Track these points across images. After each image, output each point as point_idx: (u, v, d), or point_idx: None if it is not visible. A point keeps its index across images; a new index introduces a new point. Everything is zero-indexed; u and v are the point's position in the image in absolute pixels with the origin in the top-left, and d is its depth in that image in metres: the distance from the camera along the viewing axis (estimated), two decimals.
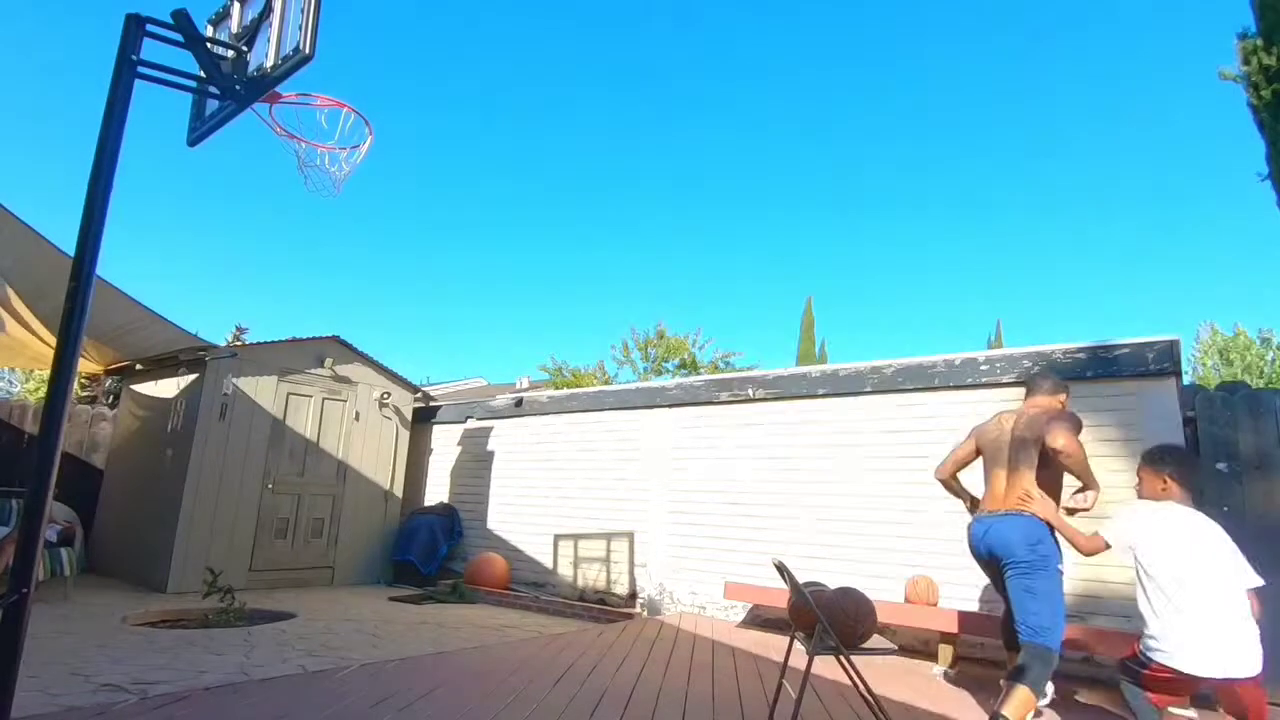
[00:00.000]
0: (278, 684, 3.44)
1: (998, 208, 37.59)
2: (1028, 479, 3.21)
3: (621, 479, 7.01)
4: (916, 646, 5.05)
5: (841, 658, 2.96)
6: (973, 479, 3.76)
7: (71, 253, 2.34)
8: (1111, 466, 4.44)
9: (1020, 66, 35.49)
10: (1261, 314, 32.42)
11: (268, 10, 2.74)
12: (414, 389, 8.54)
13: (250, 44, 2.81)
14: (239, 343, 11.47)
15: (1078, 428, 3.14)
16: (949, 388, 5.24)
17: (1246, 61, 6.34)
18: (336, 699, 3.22)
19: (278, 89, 2.91)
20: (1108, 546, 2.82)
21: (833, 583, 5.39)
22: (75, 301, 2.26)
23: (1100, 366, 4.62)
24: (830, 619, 2.87)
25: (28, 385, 16.40)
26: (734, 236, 39.41)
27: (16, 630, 2.05)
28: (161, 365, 7.18)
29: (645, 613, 6.21)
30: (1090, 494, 3.21)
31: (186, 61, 2.69)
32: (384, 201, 43.61)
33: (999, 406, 5.01)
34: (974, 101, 36.11)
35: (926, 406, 5.36)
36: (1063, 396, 3.50)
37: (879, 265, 39.08)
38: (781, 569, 3.13)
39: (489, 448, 8.37)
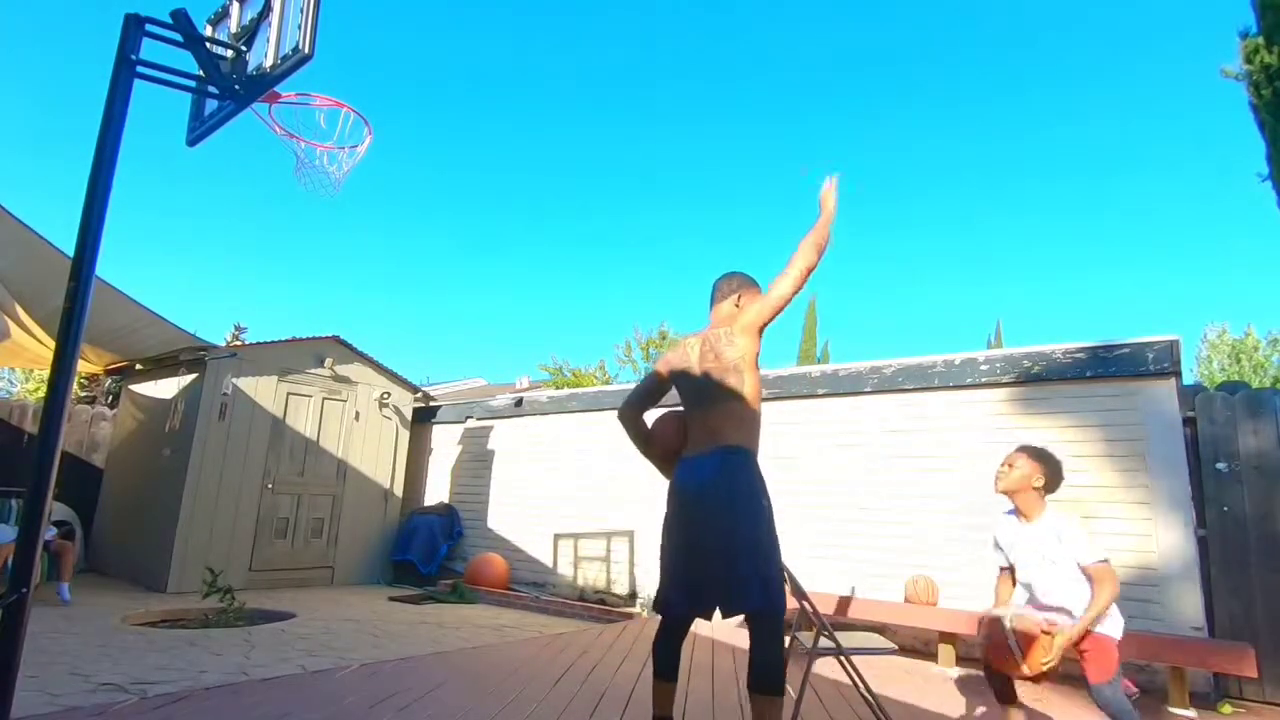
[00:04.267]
0: (278, 684, 3.44)
1: (997, 206, 37.60)
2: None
3: (621, 478, 7.00)
4: (916, 646, 5.05)
5: (842, 658, 2.96)
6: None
7: (70, 253, 2.33)
8: (1114, 466, 4.44)
9: (1021, 65, 35.50)
10: (1269, 315, 32.44)
11: (267, 10, 2.74)
12: (414, 389, 8.54)
13: (249, 43, 2.81)
14: (238, 342, 11.48)
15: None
16: (949, 388, 5.24)
17: (1248, 60, 6.34)
18: (336, 699, 3.22)
19: (277, 88, 2.91)
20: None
21: (833, 583, 5.41)
22: (75, 301, 2.25)
23: (1100, 366, 4.62)
24: None
25: (27, 385, 16.39)
26: (736, 236, 39.41)
27: (16, 630, 2.05)
28: (161, 365, 7.17)
29: (645, 613, 6.21)
30: None
31: (186, 61, 2.69)
32: (383, 200, 43.64)
33: (999, 406, 5.04)
34: (974, 100, 36.12)
35: (926, 406, 5.35)
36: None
37: (878, 264, 39.08)
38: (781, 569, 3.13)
39: (489, 448, 8.37)
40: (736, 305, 2.67)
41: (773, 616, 2.29)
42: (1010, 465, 2.79)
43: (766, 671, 2.24)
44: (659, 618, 2.54)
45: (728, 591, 2.32)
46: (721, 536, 2.34)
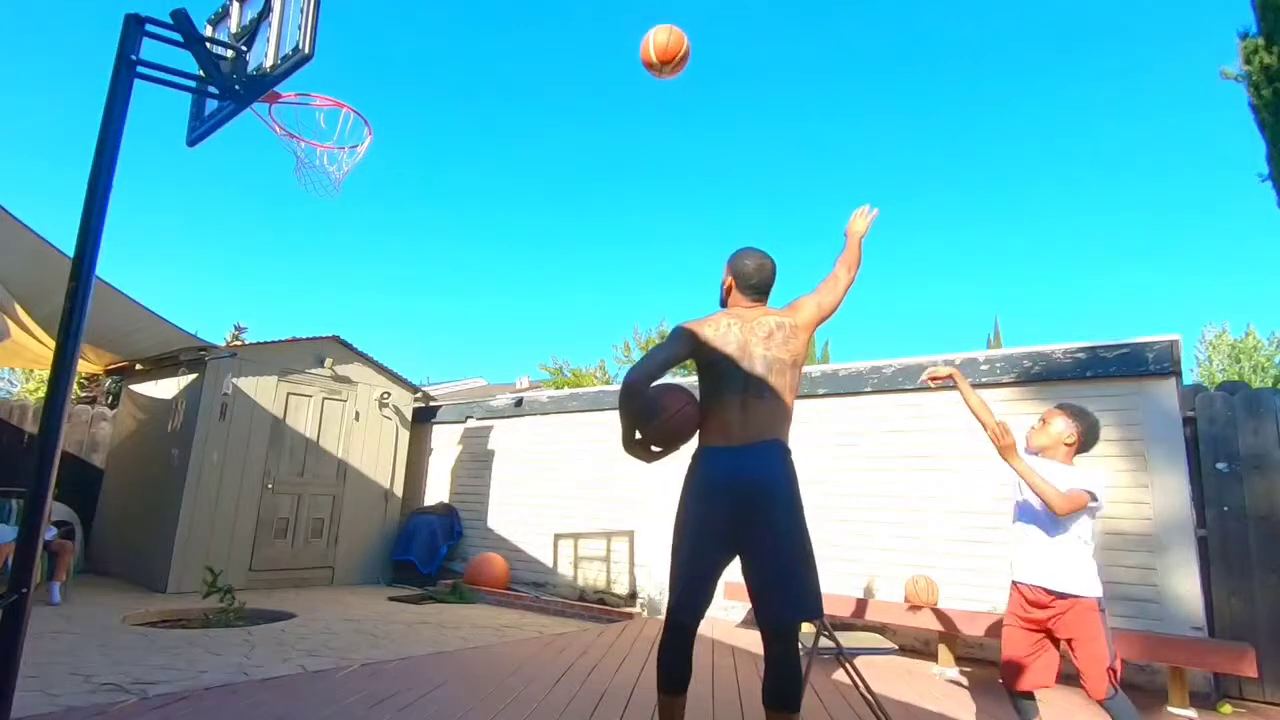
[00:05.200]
0: (278, 684, 3.44)
1: (997, 206, 37.59)
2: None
3: (621, 478, 7.00)
4: (916, 646, 5.05)
5: (841, 658, 2.96)
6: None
7: (70, 254, 2.33)
8: (1114, 466, 4.44)
9: (1021, 66, 35.49)
10: (1269, 315, 32.46)
11: (267, 10, 2.74)
12: (414, 389, 8.54)
13: (250, 43, 2.81)
14: (238, 342, 11.46)
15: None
16: (949, 388, 5.23)
17: (1248, 61, 6.35)
18: (336, 699, 3.22)
19: (277, 88, 2.91)
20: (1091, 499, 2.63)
21: (833, 583, 5.40)
22: (75, 301, 2.25)
23: (1100, 366, 4.62)
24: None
25: (28, 385, 16.39)
26: (735, 237, 39.40)
27: (16, 630, 2.05)
28: (161, 365, 7.17)
29: (645, 613, 6.21)
30: None
31: (186, 61, 2.69)
32: (384, 199, 43.65)
33: (999, 407, 5.02)
34: (973, 100, 36.11)
35: (926, 406, 5.35)
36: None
37: (878, 264, 39.07)
38: None
39: (489, 448, 8.37)
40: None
41: (800, 626, 2.22)
42: (1045, 422, 2.80)
43: (791, 686, 2.14)
44: (659, 618, 2.42)
45: (778, 597, 2.16)
46: (780, 537, 2.18)
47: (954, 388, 3.08)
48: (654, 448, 2.41)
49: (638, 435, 2.37)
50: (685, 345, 2.39)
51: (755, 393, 2.31)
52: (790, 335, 2.39)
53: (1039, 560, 2.65)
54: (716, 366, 2.36)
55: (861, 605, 4.90)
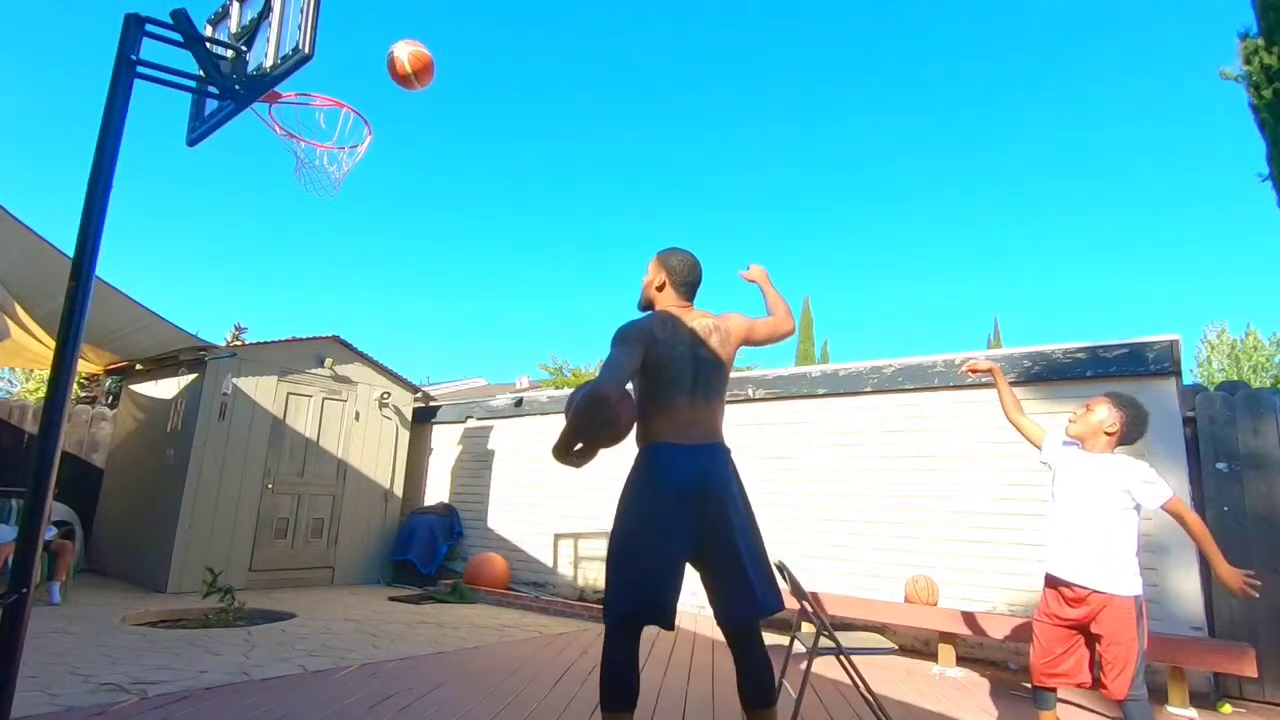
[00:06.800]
0: (278, 684, 3.44)
1: (997, 205, 37.57)
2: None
3: (621, 478, 6.99)
4: (916, 646, 5.05)
5: (842, 658, 2.96)
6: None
7: (70, 254, 2.33)
8: None
9: (1020, 65, 35.47)
10: (1269, 316, 32.48)
11: (267, 10, 2.74)
12: (414, 389, 8.53)
13: (250, 43, 2.81)
14: (238, 342, 11.46)
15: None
16: (949, 388, 5.24)
17: (1248, 61, 6.34)
18: (336, 699, 3.22)
19: (277, 88, 2.91)
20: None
21: (833, 583, 5.41)
22: (75, 301, 2.25)
23: (1100, 366, 4.62)
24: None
25: (28, 385, 16.38)
26: (731, 235, 39.41)
27: (16, 630, 2.05)
28: (161, 365, 7.17)
29: None
30: None
31: (186, 61, 2.69)
32: (384, 201, 43.64)
33: (999, 407, 5.02)
34: (973, 100, 36.10)
35: (926, 406, 5.35)
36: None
37: (877, 264, 39.08)
38: (781, 569, 3.12)
39: (489, 447, 8.36)
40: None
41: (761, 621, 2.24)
42: (1088, 409, 2.71)
43: (768, 681, 2.20)
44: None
45: (745, 596, 2.17)
46: (740, 537, 2.19)
47: (992, 385, 3.12)
48: (578, 451, 2.31)
49: (579, 445, 2.27)
50: (641, 347, 2.29)
51: (702, 393, 2.31)
52: (724, 339, 2.43)
53: (1075, 555, 2.58)
54: (666, 367, 2.30)
55: (862, 605, 4.90)
